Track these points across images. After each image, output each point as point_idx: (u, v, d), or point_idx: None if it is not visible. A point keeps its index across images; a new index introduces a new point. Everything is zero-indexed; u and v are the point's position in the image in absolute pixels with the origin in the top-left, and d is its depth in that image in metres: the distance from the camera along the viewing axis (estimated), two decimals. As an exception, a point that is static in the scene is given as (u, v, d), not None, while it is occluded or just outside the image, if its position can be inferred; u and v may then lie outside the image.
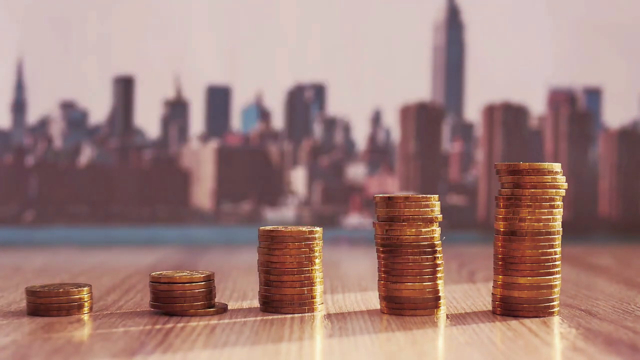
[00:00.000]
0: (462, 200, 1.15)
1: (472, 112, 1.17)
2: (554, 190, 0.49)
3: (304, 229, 0.51)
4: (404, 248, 0.49)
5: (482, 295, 0.58)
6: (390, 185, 1.15)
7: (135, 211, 1.11)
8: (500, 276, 0.50)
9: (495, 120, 1.16)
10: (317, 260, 0.51)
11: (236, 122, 1.15)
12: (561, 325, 0.47)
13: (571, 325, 0.47)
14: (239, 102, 1.15)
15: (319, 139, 1.16)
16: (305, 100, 1.16)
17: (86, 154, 1.14)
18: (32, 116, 1.13)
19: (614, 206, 1.15)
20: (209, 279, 0.50)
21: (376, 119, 1.16)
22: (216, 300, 0.52)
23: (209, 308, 0.50)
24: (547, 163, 0.49)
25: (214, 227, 1.13)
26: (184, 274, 0.50)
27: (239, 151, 1.14)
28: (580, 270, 0.76)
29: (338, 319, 0.49)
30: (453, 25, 1.16)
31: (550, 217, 0.49)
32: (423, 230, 0.50)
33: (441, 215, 0.50)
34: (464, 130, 1.17)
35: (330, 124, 1.16)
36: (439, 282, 0.50)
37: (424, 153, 1.15)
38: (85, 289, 0.51)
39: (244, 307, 0.53)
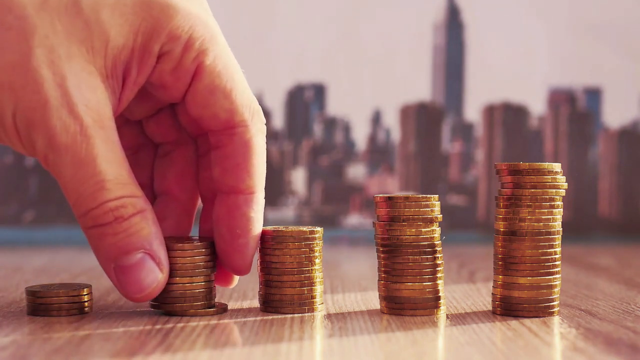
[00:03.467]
0: (462, 200, 1.15)
1: (472, 112, 1.17)
2: (554, 190, 0.49)
3: (305, 229, 0.51)
4: (404, 248, 0.49)
5: (482, 295, 0.58)
6: (390, 185, 1.15)
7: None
8: (500, 276, 0.50)
9: (495, 120, 1.16)
10: (317, 260, 0.51)
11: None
12: (561, 325, 0.47)
13: (571, 325, 0.47)
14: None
15: (319, 139, 1.16)
16: (305, 100, 1.16)
17: (86, 154, 1.14)
18: (32, 116, 1.12)
19: (614, 206, 1.15)
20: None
21: (376, 119, 1.16)
22: (216, 300, 0.52)
23: (209, 308, 0.50)
24: (547, 163, 0.49)
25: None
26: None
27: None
28: (580, 270, 0.76)
29: (338, 319, 0.49)
30: (453, 25, 1.16)
31: (550, 217, 0.49)
32: (423, 230, 0.50)
33: (441, 215, 0.50)
34: (464, 130, 1.17)
35: (330, 124, 1.16)
36: (439, 282, 0.50)
37: (424, 153, 1.15)
38: (85, 289, 0.50)
39: (244, 307, 0.53)
